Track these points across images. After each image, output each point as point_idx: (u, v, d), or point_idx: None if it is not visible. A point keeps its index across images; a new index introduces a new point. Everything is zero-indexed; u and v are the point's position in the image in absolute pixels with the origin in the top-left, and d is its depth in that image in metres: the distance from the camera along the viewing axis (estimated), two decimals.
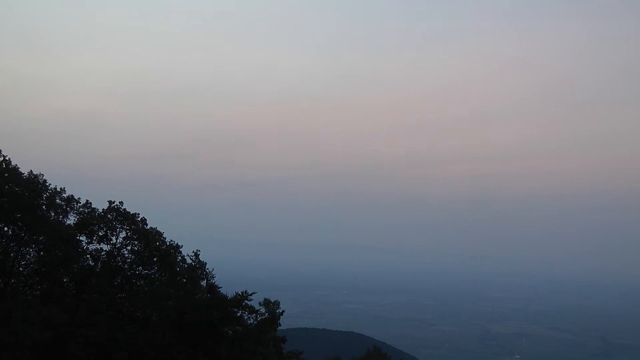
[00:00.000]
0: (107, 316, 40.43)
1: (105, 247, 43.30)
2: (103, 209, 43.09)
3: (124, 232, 43.47)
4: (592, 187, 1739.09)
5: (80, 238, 42.59)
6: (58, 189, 40.59)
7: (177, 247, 45.54)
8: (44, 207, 39.57)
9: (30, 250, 40.15)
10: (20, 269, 40.37)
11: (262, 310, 47.10)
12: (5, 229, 38.71)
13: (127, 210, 43.44)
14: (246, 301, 45.65)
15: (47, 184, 39.79)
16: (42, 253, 40.06)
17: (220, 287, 45.39)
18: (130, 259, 43.90)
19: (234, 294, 45.72)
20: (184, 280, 45.20)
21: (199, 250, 46.38)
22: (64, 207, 41.06)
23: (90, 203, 42.86)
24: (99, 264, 42.89)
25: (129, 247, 43.82)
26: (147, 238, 43.77)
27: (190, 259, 46.07)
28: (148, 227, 44.19)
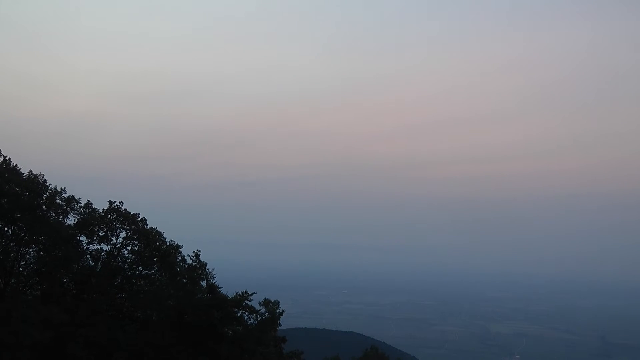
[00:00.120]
0: (107, 316, 40.42)
1: (106, 247, 43.31)
2: (103, 209, 43.08)
3: (124, 232, 43.47)
4: (592, 187, 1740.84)
5: (81, 238, 42.58)
6: (58, 189, 40.59)
7: (177, 247, 45.54)
8: (44, 207, 39.57)
9: (30, 250, 40.15)
10: (20, 269, 40.37)
11: (262, 310, 47.05)
12: (5, 229, 38.72)
13: (127, 210, 43.45)
14: (246, 301, 45.62)
15: (47, 184, 39.81)
16: (42, 253, 40.06)
17: (220, 287, 45.38)
18: (131, 259, 43.90)
19: (234, 294, 45.69)
20: (184, 280, 45.20)
21: (199, 250, 46.36)
22: (64, 207, 41.06)
23: (91, 203, 42.91)
24: (99, 264, 42.89)
25: (129, 247, 43.81)
26: (147, 238, 43.78)
27: (191, 259, 46.07)
28: (148, 227, 44.19)
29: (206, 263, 46.37)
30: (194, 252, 46.14)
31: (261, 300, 47.44)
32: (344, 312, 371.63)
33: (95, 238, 42.81)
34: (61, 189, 40.78)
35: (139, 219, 43.70)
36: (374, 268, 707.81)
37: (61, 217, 41.00)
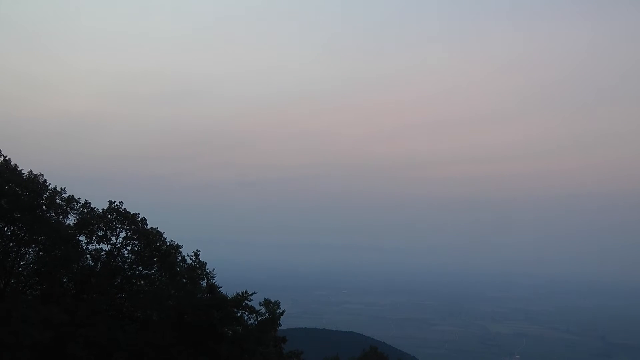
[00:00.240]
0: (107, 316, 40.42)
1: (105, 247, 43.33)
2: (103, 209, 43.11)
3: (124, 232, 43.49)
4: (592, 187, 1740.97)
5: (80, 238, 42.59)
6: (58, 189, 40.61)
7: (177, 247, 45.55)
8: (44, 207, 39.58)
9: (30, 250, 40.16)
10: (20, 269, 40.37)
11: (263, 310, 47.10)
12: (5, 229, 38.73)
13: (127, 210, 43.48)
14: (246, 301, 45.66)
15: (47, 184, 39.82)
16: (41, 253, 40.06)
17: (220, 287, 45.40)
18: (131, 259, 43.90)
19: (234, 294, 45.73)
20: (184, 280, 45.21)
21: (199, 250, 46.40)
22: (64, 207, 41.07)
23: (89, 203, 42.92)
24: (99, 264, 42.90)
25: (129, 247, 43.83)
26: (147, 238, 43.79)
27: (190, 259, 46.10)
28: (148, 227, 44.20)
29: (206, 263, 46.41)
30: (193, 252, 46.21)
31: (261, 300, 47.47)
32: (344, 312, 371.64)
33: (94, 238, 42.83)
34: (61, 189, 40.83)
35: (139, 219, 43.72)
36: (374, 268, 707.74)
37: (61, 217, 41.02)
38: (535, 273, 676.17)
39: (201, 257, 46.29)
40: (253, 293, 45.89)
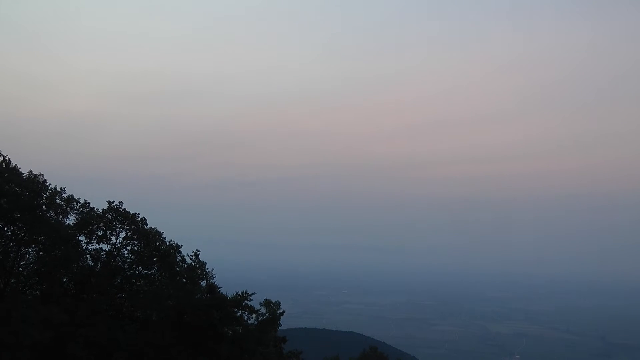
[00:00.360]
0: (107, 316, 40.42)
1: (105, 247, 43.33)
2: (103, 209, 43.10)
3: (123, 232, 43.48)
4: (592, 187, 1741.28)
5: (80, 238, 42.58)
6: (58, 189, 40.59)
7: (177, 247, 45.54)
8: (43, 207, 39.56)
9: (30, 250, 40.15)
10: (20, 269, 40.36)
11: (263, 310, 47.12)
12: (5, 229, 38.71)
13: (126, 210, 43.47)
14: (246, 301, 45.66)
15: (47, 184, 39.80)
16: (41, 253, 40.04)
17: (220, 287, 45.39)
18: (130, 259, 43.90)
19: (234, 294, 45.73)
20: (184, 280, 45.21)
21: (199, 250, 46.40)
22: (64, 207, 41.05)
23: (89, 203, 42.92)
24: (99, 264, 42.89)
25: (128, 247, 43.83)
26: (147, 238, 43.78)
27: (190, 259, 46.09)
28: (148, 227, 44.20)
29: (206, 263, 46.41)
30: (193, 252, 46.21)
31: (261, 300, 47.50)
32: (344, 312, 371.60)
33: (94, 238, 42.83)
34: (61, 188, 40.81)
35: (139, 219, 43.71)
36: (374, 268, 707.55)
37: (61, 217, 41.00)
38: (535, 273, 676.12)
39: (201, 257, 46.32)
40: (253, 293, 45.91)
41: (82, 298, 41.17)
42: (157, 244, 44.18)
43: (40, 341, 33.61)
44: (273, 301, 48.01)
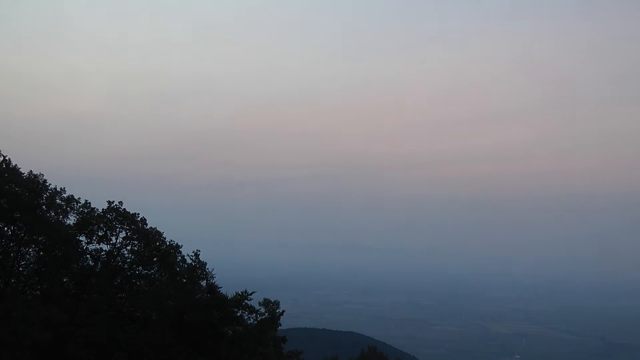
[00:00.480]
0: (107, 316, 40.43)
1: (105, 247, 43.35)
2: (103, 209, 43.11)
3: (123, 232, 43.50)
4: (592, 187, 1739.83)
5: (80, 238, 42.59)
6: (58, 189, 40.60)
7: (177, 247, 45.55)
8: (43, 207, 39.57)
9: (30, 250, 40.14)
10: (20, 269, 40.37)
11: (262, 310, 47.12)
12: (5, 229, 38.72)
13: (126, 210, 43.48)
14: (246, 301, 45.67)
15: (47, 184, 39.81)
16: (42, 253, 40.05)
17: (220, 287, 45.41)
18: (130, 259, 43.90)
19: (234, 294, 45.74)
20: (184, 280, 45.22)
21: (199, 250, 46.40)
22: (64, 207, 41.05)
23: (90, 203, 42.92)
24: (99, 264, 42.90)
25: (128, 247, 43.84)
26: (147, 238, 43.79)
27: (190, 259, 46.10)
28: (148, 227, 44.22)
29: (206, 263, 46.41)
30: (193, 252, 46.22)
31: (261, 300, 47.48)
32: (344, 312, 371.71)
33: (94, 238, 42.85)
34: (61, 188, 40.82)
35: (139, 219, 43.72)
36: (374, 268, 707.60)
37: (61, 217, 41.01)
38: (535, 273, 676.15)
39: (201, 257, 46.32)
40: (253, 293, 45.92)
41: (82, 298, 41.18)
42: (157, 244, 44.20)
43: (40, 341, 33.62)
44: (272, 301, 47.99)
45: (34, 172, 39.54)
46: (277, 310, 47.71)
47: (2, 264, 38.15)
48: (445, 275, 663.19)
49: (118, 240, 43.47)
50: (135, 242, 43.85)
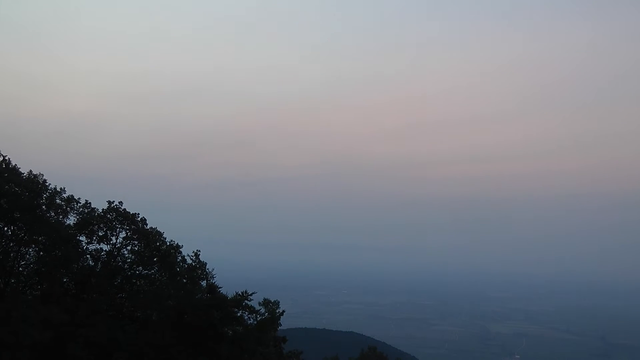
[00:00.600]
0: (107, 316, 40.40)
1: (105, 247, 43.31)
2: (103, 209, 43.08)
3: (123, 232, 43.45)
4: (592, 187, 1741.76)
5: (80, 238, 42.56)
6: (58, 189, 40.56)
7: (177, 247, 45.51)
8: (43, 207, 39.54)
9: (30, 250, 40.11)
10: (20, 269, 40.34)
11: (262, 310, 47.07)
12: (5, 229, 38.70)
13: (126, 210, 43.44)
14: (246, 301, 45.62)
15: (47, 184, 39.77)
16: (42, 253, 40.02)
17: (220, 287, 45.37)
18: (130, 259, 43.87)
19: (234, 294, 45.70)
20: (184, 280, 45.19)
21: (199, 250, 46.36)
22: (64, 207, 41.03)
23: (90, 203, 42.89)
24: (99, 264, 42.87)
25: (129, 247, 43.79)
26: (147, 238, 43.76)
27: (191, 259, 46.06)
28: (148, 227, 44.17)
29: (206, 263, 46.36)
30: (193, 252, 46.18)
31: (261, 300, 47.44)
32: (344, 312, 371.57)
33: (95, 238, 42.81)
34: (61, 188, 40.78)
35: (139, 219, 43.68)
36: (374, 268, 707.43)
37: (61, 217, 40.98)
38: (535, 273, 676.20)
39: (201, 257, 46.27)
40: (253, 293, 45.86)
41: (82, 298, 41.15)
42: (158, 244, 44.16)
43: (40, 341, 33.60)
44: (272, 301, 47.95)
45: (34, 172, 39.55)
46: (277, 310, 47.67)
47: (2, 264, 38.13)
48: (446, 275, 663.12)
49: (118, 240, 43.45)
50: (136, 242, 43.81)
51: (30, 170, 39.53)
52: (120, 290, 43.86)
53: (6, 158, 38.52)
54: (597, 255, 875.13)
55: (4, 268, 38.35)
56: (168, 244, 44.83)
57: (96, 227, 42.78)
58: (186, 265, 45.82)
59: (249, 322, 46.21)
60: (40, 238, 39.06)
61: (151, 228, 44.38)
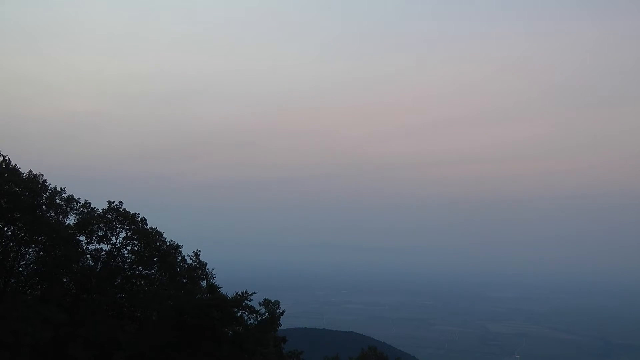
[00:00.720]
0: (107, 316, 40.41)
1: (105, 247, 43.33)
2: (103, 209, 43.08)
3: (123, 232, 43.48)
4: (593, 187, 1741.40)
5: (80, 238, 42.57)
6: (58, 189, 40.60)
7: (177, 247, 45.54)
8: (43, 207, 39.56)
9: (30, 250, 40.14)
10: (20, 269, 40.35)
11: (262, 310, 47.08)
12: (5, 229, 38.70)
13: (126, 210, 43.46)
14: (246, 301, 45.62)
15: (47, 184, 39.80)
16: (42, 253, 40.04)
17: (220, 287, 45.38)
18: (130, 259, 43.88)
19: (234, 294, 45.70)
20: (184, 280, 45.20)
21: (199, 250, 46.39)
22: (64, 207, 41.05)
23: (90, 203, 42.89)
24: (99, 264, 42.88)
25: (129, 247, 43.83)
26: (147, 238, 43.76)
27: (191, 259, 46.09)
28: (148, 227, 44.19)
29: (206, 263, 46.40)
30: (194, 252, 46.22)
31: (261, 300, 47.45)
32: (344, 312, 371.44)
33: (95, 238, 42.82)
34: (61, 189, 40.81)
35: (139, 219, 43.69)
36: (374, 268, 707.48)
37: (61, 217, 40.98)
38: (535, 273, 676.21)
39: (201, 257, 46.30)
40: (253, 293, 45.86)
41: (82, 298, 41.16)
42: (158, 244, 44.17)
43: (40, 341, 33.60)
44: (272, 301, 47.97)
45: (34, 172, 39.59)
46: (277, 311, 47.68)
47: (2, 264, 38.12)
48: (446, 275, 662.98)
49: (118, 240, 43.47)
50: (136, 242, 43.82)
51: (30, 170, 39.62)
52: (120, 290, 43.84)
53: (6, 158, 38.58)
54: (597, 255, 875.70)
55: (4, 268, 38.35)
56: (168, 244, 44.84)
57: (96, 227, 42.80)
58: (186, 265, 45.83)
59: (249, 322, 46.21)
60: (40, 238, 39.06)
61: (151, 228, 44.40)
